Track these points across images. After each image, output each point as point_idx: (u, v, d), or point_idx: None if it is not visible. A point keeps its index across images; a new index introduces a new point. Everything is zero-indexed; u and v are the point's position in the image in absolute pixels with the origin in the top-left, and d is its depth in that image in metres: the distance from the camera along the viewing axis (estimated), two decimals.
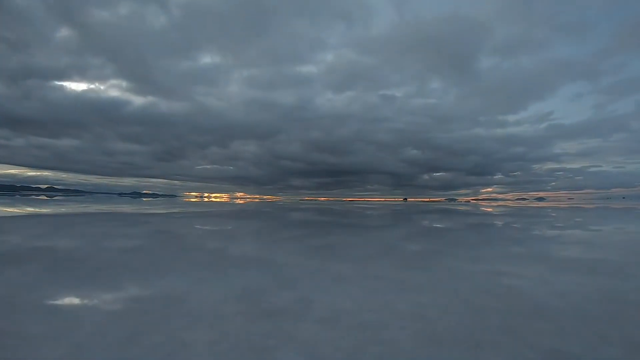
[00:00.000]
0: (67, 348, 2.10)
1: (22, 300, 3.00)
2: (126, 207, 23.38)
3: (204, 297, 3.06)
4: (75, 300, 3.03)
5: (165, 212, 18.89)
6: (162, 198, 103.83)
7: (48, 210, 18.81)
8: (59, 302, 2.99)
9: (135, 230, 9.01)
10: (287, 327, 2.43)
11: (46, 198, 49.03)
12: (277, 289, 3.38)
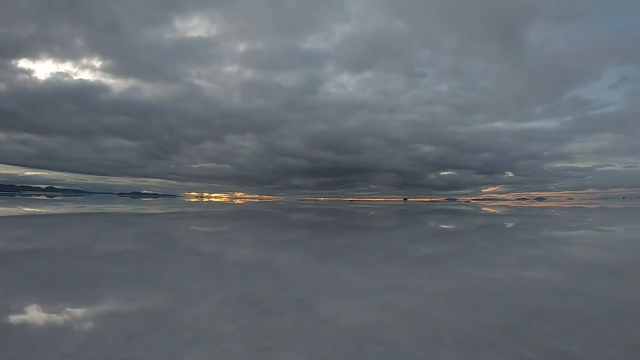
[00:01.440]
0: None
1: None
2: (124, 208, 23.35)
3: (196, 313, 2.63)
4: (44, 317, 2.58)
5: (161, 212, 18.86)
6: (162, 198, 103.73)
7: (44, 210, 18.78)
8: (24, 317, 2.57)
9: (127, 232, 8.84)
10: (291, 342, 2.29)
11: (46, 198, 48.99)
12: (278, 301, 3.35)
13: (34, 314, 2.65)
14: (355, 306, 2.87)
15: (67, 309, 2.76)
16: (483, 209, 32.63)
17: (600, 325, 2.45)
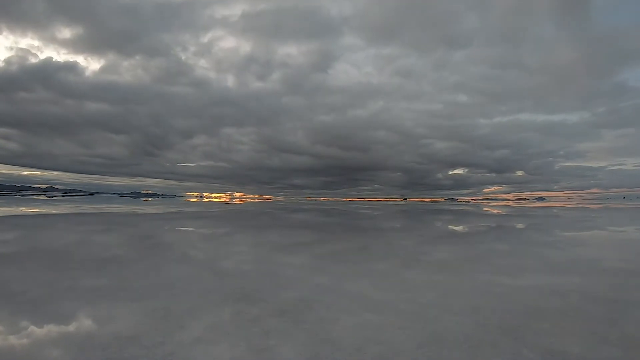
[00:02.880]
0: None
1: None
2: (124, 208, 23.28)
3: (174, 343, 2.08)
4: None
5: (160, 212, 18.80)
6: (162, 198, 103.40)
7: (39, 210, 18.72)
8: None
9: (117, 235, 8.29)
10: None
11: (46, 198, 48.87)
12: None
13: None
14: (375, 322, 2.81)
15: (26, 330, 2.31)
16: (484, 209, 32.43)
17: None
